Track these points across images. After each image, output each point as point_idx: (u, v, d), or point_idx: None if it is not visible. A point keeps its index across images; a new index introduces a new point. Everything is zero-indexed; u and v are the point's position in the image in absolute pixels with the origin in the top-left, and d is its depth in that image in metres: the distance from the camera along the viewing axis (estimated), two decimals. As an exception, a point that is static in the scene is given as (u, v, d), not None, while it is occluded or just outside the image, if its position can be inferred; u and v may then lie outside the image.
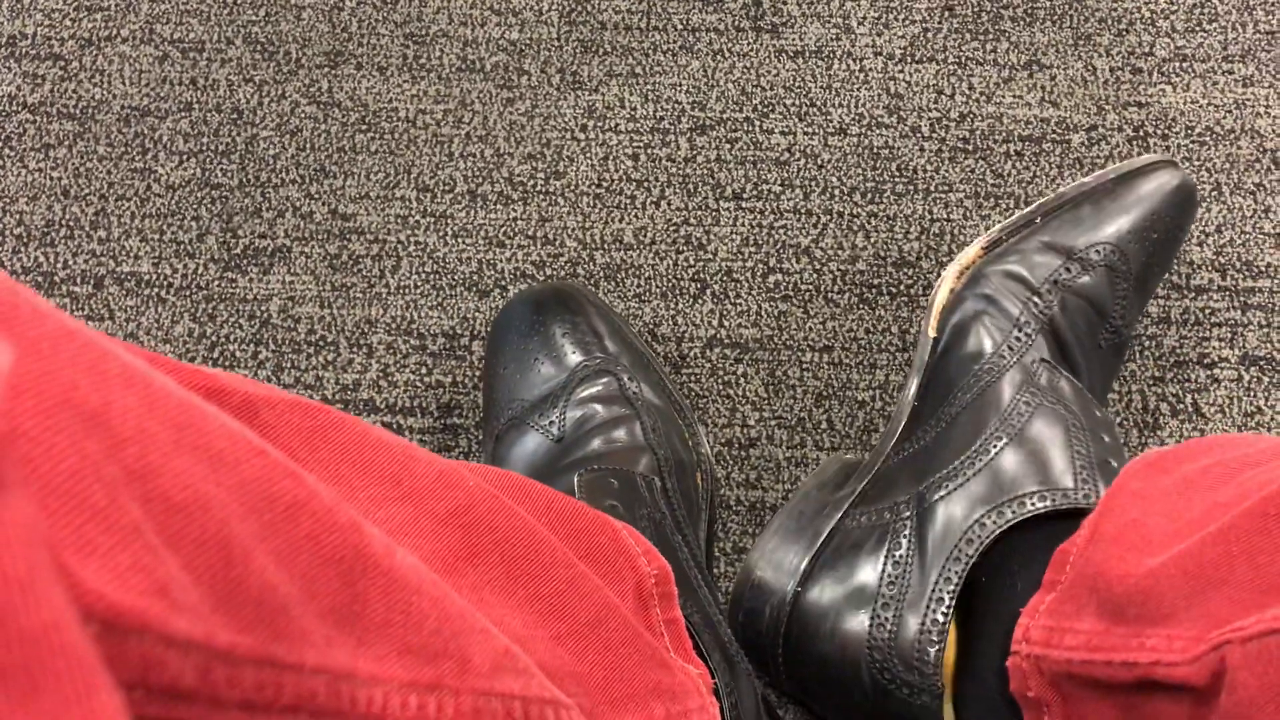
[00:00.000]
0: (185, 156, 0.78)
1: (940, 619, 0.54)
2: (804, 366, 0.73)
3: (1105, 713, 0.46)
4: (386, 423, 0.71)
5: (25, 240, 0.76)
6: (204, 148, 0.79)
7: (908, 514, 0.58)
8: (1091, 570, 0.48)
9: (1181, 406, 0.71)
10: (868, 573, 0.57)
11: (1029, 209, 0.66)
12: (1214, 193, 0.77)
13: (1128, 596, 0.44)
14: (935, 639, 0.54)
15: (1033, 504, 0.55)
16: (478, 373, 0.72)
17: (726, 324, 0.74)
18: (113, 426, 0.25)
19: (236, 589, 0.26)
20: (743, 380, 0.72)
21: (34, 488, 0.23)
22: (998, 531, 0.55)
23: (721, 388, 0.72)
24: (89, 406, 0.24)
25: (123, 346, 0.28)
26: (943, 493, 0.57)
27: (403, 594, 0.31)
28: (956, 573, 0.54)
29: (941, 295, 0.64)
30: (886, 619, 0.55)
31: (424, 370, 0.72)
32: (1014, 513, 0.55)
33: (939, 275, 0.68)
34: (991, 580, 0.56)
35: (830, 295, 0.75)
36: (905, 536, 0.57)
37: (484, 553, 0.40)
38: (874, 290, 0.75)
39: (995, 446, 0.58)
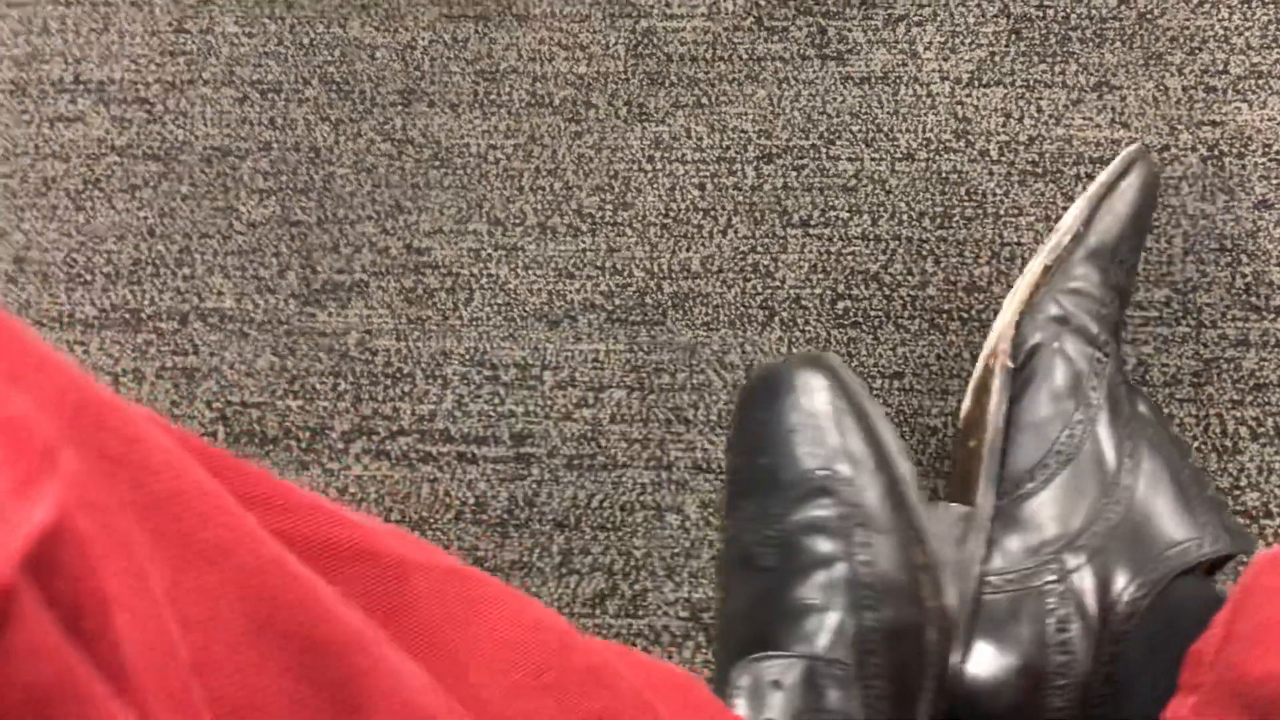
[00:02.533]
0: (265, 195, 0.81)
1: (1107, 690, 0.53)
2: (874, 393, 0.73)
3: None
4: (461, 452, 0.73)
5: (114, 279, 0.79)
6: (283, 186, 0.81)
7: (1052, 579, 0.56)
8: (1232, 674, 0.47)
9: (1262, 430, 0.70)
10: (1030, 646, 0.55)
11: (1065, 228, 0.66)
12: (1293, 211, 0.76)
13: (1270, 700, 0.43)
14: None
15: (1171, 561, 0.54)
16: (549, 402, 0.73)
17: (796, 350, 0.74)
18: (180, 604, 0.24)
19: None
20: (812, 407, 0.73)
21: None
22: (1154, 593, 0.54)
23: (791, 415, 0.72)
24: (160, 586, 0.24)
25: (282, 500, 0.27)
26: (1079, 560, 0.56)
27: None
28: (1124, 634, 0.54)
29: (1009, 321, 0.64)
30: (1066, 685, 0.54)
31: (497, 400, 0.74)
32: (1161, 572, 0.54)
33: (1007, 303, 0.67)
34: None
35: (900, 321, 0.74)
36: (1059, 600, 0.56)
37: None
38: (944, 316, 0.74)
39: (1114, 513, 0.57)
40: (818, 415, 0.56)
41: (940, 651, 0.55)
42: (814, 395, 0.57)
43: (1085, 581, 0.55)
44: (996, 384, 0.62)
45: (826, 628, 0.51)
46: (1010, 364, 0.62)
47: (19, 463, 0.21)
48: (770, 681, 0.49)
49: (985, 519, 0.58)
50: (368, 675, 0.28)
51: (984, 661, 0.55)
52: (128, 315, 0.78)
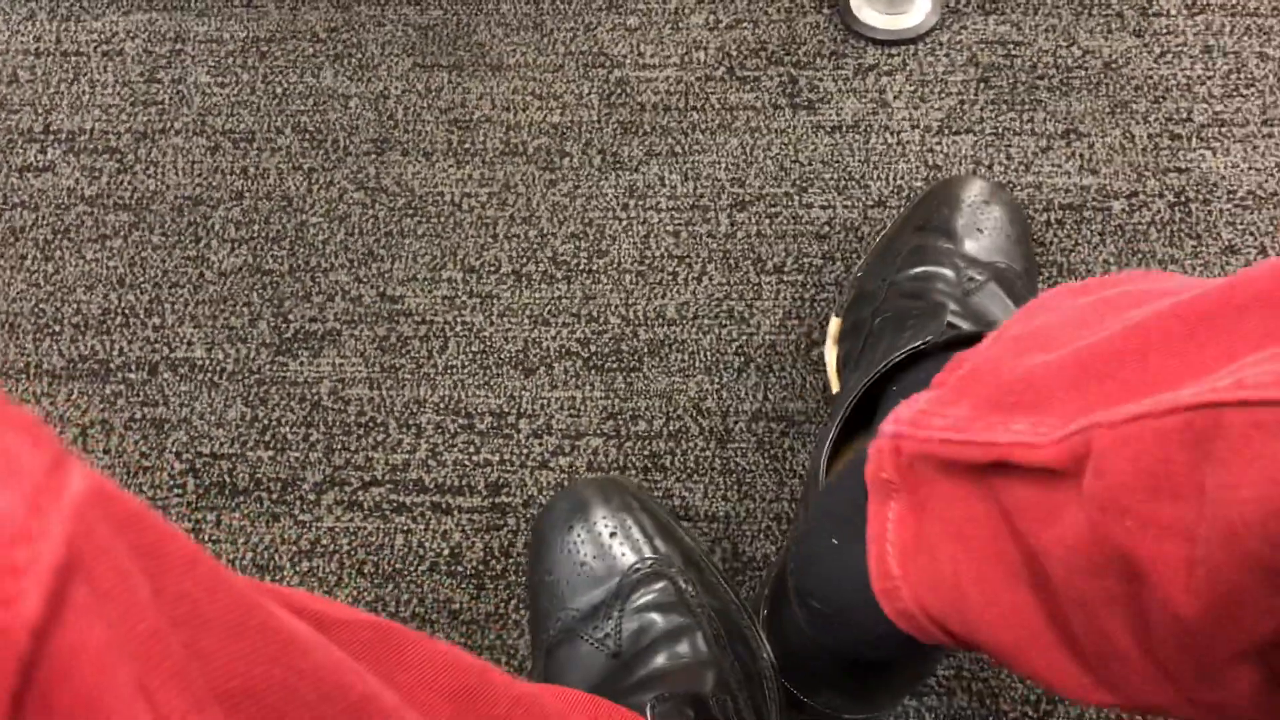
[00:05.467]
0: (237, 244, 0.80)
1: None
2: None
3: (956, 498, 0.44)
4: (435, 502, 0.72)
5: (83, 329, 0.78)
6: (255, 234, 0.81)
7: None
8: (984, 365, 0.46)
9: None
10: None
11: (853, 272, 0.74)
12: (1259, 256, 0.77)
13: (1010, 385, 0.43)
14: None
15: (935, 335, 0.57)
16: (525, 451, 0.73)
17: (771, 397, 0.74)
18: (166, 608, 0.25)
19: None
20: (789, 454, 0.72)
21: (115, 631, 0.23)
22: (893, 359, 0.57)
23: (768, 461, 0.72)
24: (145, 588, 0.25)
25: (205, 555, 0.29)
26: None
27: None
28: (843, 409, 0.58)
29: (831, 365, 0.70)
30: (793, 540, 0.57)
31: (472, 449, 0.73)
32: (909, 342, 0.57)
33: (826, 358, 0.72)
34: (888, 401, 0.56)
35: (875, 367, 0.75)
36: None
37: None
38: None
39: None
40: (626, 521, 0.62)
41: (777, 698, 0.61)
42: (616, 505, 0.63)
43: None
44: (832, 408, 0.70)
45: (702, 678, 0.56)
46: (837, 387, 0.69)
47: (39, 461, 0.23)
48: (679, 710, 0.53)
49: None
50: (339, 671, 0.29)
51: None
52: (96, 366, 0.77)
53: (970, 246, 0.68)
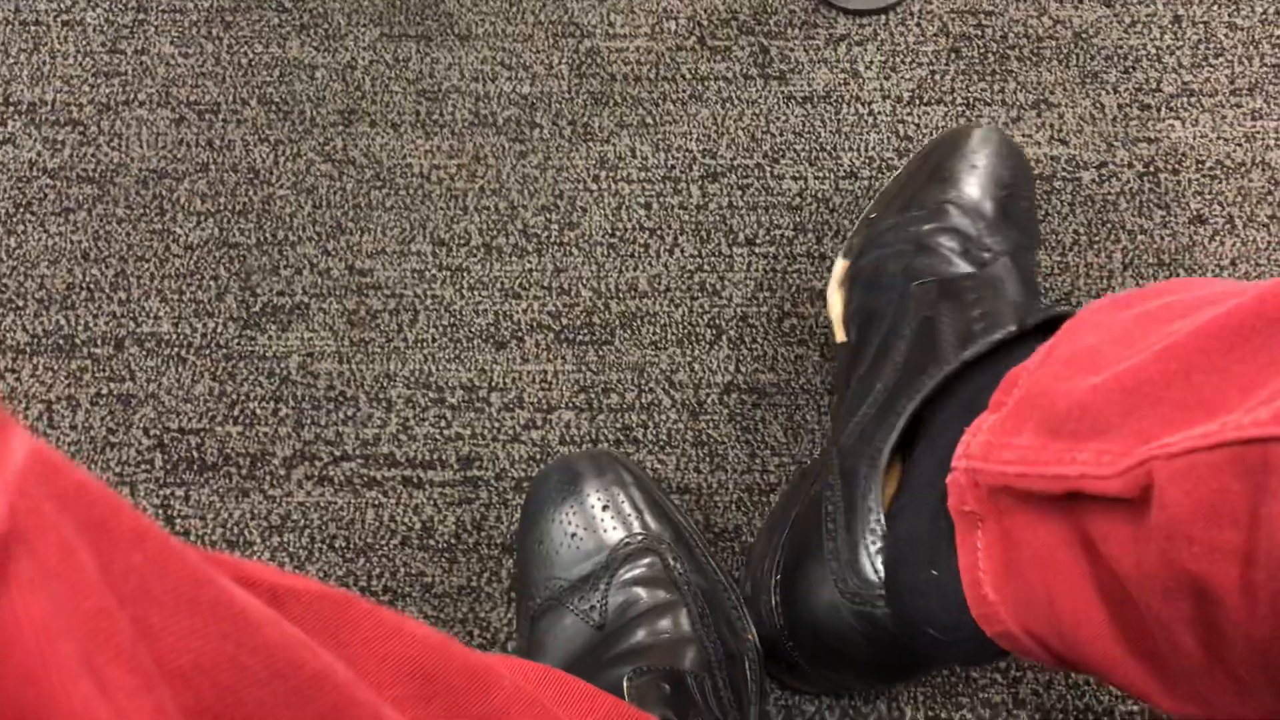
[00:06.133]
0: (203, 217, 0.79)
1: (875, 510, 0.55)
2: (822, 410, 0.73)
3: (1039, 526, 0.46)
4: (407, 476, 0.71)
5: (46, 304, 0.77)
6: (221, 208, 0.80)
7: (835, 459, 0.59)
8: (1038, 390, 0.47)
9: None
10: (819, 529, 0.58)
11: (864, 211, 0.72)
12: (1227, 226, 0.77)
13: (1067, 412, 0.44)
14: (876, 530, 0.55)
15: (977, 349, 0.56)
16: (497, 424, 0.73)
17: (743, 369, 0.74)
18: (114, 584, 0.25)
19: None
20: (761, 425, 0.72)
21: (59, 607, 0.23)
22: (932, 385, 0.56)
23: (740, 433, 0.72)
24: (92, 564, 0.24)
25: (149, 522, 0.28)
26: (855, 419, 0.59)
27: None
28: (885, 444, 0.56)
29: (836, 308, 0.68)
30: (838, 546, 0.56)
31: (443, 423, 0.73)
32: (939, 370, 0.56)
33: (829, 301, 0.70)
34: (936, 414, 0.56)
35: (846, 338, 0.75)
36: (833, 476, 0.58)
37: None
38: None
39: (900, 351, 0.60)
40: (617, 495, 0.63)
41: (758, 679, 0.61)
42: (609, 478, 0.63)
43: (848, 434, 0.60)
44: (836, 365, 0.69)
45: (683, 654, 0.57)
46: (843, 337, 0.67)
47: None
48: (656, 684, 0.55)
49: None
50: (291, 647, 0.28)
51: (796, 566, 0.62)
52: (61, 341, 0.76)
53: (989, 209, 0.67)
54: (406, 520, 0.70)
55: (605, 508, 0.62)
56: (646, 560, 0.61)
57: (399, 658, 0.36)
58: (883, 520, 0.55)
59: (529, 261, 0.77)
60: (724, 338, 0.75)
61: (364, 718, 0.29)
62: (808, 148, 0.81)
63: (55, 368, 0.75)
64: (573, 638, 0.59)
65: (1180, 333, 0.42)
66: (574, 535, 0.62)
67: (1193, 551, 0.37)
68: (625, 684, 0.54)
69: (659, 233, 0.78)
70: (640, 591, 0.60)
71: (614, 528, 0.62)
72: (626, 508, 0.62)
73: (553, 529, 0.63)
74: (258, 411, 0.73)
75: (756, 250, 0.77)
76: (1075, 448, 0.43)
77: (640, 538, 0.61)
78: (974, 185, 0.67)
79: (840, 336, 0.67)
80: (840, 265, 0.70)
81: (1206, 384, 0.39)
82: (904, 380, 0.58)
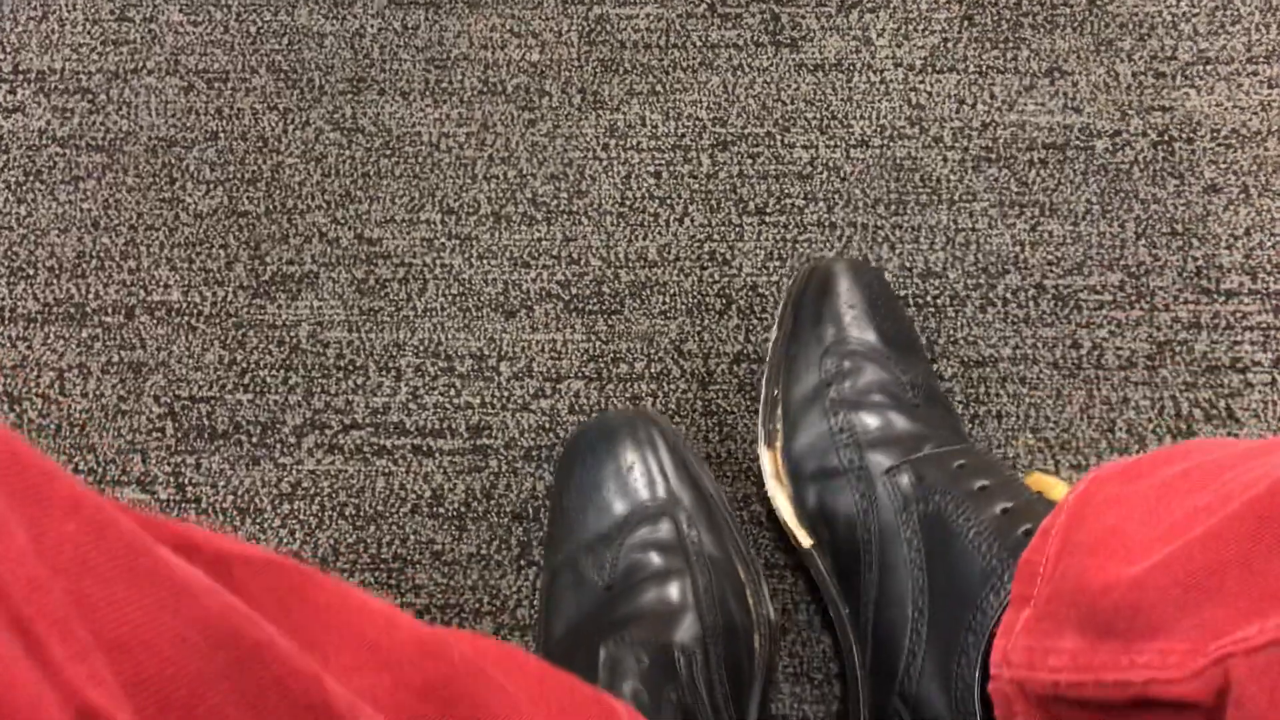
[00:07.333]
0: (212, 185, 0.79)
1: None
2: (832, 380, 0.73)
3: None
4: (416, 445, 0.72)
5: (57, 272, 0.77)
6: (230, 176, 0.79)
7: (901, 709, 0.55)
8: (1070, 584, 0.45)
9: (1215, 412, 0.71)
10: None
11: (764, 391, 0.67)
12: (1241, 195, 0.77)
13: (1114, 609, 0.42)
14: None
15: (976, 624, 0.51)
16: (506, 393, 0.73)
17: (753, 339, 0.74)
18: (48, 554, 0.24)
19: None
20: (771, 395, 0.72)
21: None
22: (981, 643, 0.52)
23: (749, 403, 0.72)
24: (22, 535, 0.24)
25: (89, 491, 0.27)
26: (912, 685, 0.55)
27: None
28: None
29: (785, 509, 0.64)
30: None
31: (453, 392, 0.73)
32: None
33: (774, 501, 0.66)
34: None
35: (856, 308, 0.74)
36: None
37: None
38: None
39: (922, 613, 0.55)
40: (647, 457, 0.62)
41: (766, 656, 0.60)
42: (642, 439, 0.63)
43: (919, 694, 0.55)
44: (813, 569, 0.63)
45: (676, 625, 0.56)
46: (808, 542, 0.63)
47: None
48: (632, 657, 0.54)
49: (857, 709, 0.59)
50: (231, 618, 0.28)
51: None
52: (72, 309, 0.76)
53: (881, 343, 0.65)
54: (416, 488, 0.71)
55: (632, 469, 0.62)
56: (662, 526, 0.60)
57: (347, 627, 0.36)
58: None
59: (538, 230, 0.77)
60: (734, 307, 0.74)
61: (306, 689, 0.29)
62: (819, 116, 0.80)
63: (66, 336, 0.75)
64: (583, 597, 0.59)
65: (1220, 515, 0.39)
66: (597, 493, 0.62)
67: None
68: (601, 650, 0.54)
69: (669, 201, 0.78)
70: (649, 556, 0.59)
71: (637, 489, 0.61)
72: (654, 470, 0.62)
73: (579, 485, 0.63)
74: (268, 380, 0.74)
75: (767, 219, 0.77)
76: (1132, 649, 0.41)
77: (661, 501, 0.61)
78: (861, 325, 0.65)
79: (805, 541, 0.63)
80: (767, 457, 0.66)
81: (1269, 572, 0.37)
82: (944, 604, 0.54)
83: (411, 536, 0.70)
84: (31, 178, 0.80)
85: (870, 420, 0.61)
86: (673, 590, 0.58)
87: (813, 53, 0.82)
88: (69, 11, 0.85)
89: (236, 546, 0.33)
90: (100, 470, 0.72)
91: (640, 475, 0.62)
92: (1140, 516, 0.44)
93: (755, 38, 0.82)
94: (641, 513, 0.61)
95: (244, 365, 0.74)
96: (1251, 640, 0.36)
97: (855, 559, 0.59)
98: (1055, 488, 0.56)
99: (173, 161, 0.80)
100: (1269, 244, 0.75)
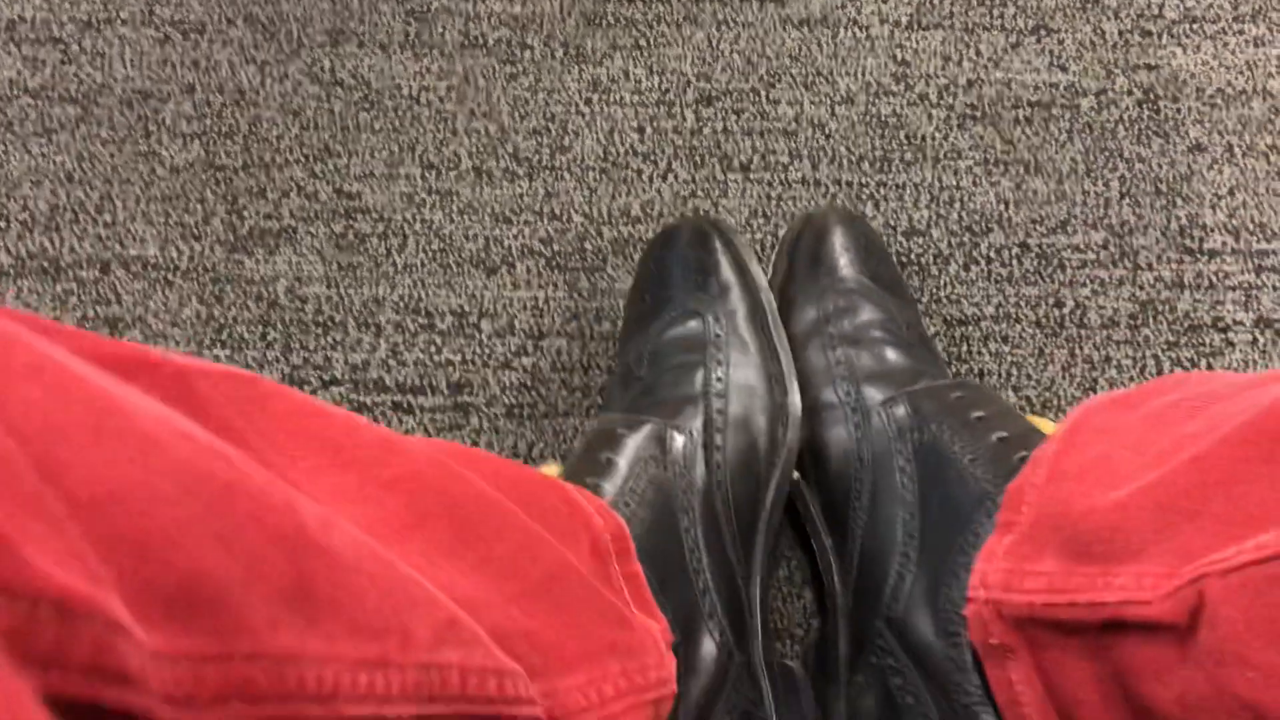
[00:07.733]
0: (189, 139, 0.78)
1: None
2: (815, 338, 0.72)
3: (1074, 657, 0.43)
4: (397, 402, 0.71)
5: (30, 226, 0.76)
6: (207, 129, 0.78)
7: (892, 662, 0.54)
8: (1054, 509, 0.45)
9: (1196, 371, 0.71)
10: None
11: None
12: (1226, 155, 0.76)
13: (1093, 532, 0.42)
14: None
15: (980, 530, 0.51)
16: (487, 351, 0.72)
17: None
18: (13, 423, 0.24)
19: (151, 585, 0.26)
20: (753, 352, 0.72)
21: None
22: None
23: (732, 360, 0.72)
24: None
25: (42, 329, 0.27)
26: (889, 580, 0.54)
27: (343, 572, 0.30)
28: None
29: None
30: None
31: (433, 349, 0.72)
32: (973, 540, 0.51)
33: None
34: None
35: (840, 265, 0.74)
36: (892, 657, 0.54)
37: (432, 518, 0.38)
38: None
39: (912, 543, 0.55)
40: (700, 255, 0.64)
41: (785, 441, 0.61)
42: (697, 241, 0.65)
43: (912, 629, 0.54)
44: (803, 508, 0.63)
45: (683, 411, 0.58)
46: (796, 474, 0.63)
47: None
48: (618, 432, 0.56)
49: (834, 638, 0.59)
50: (200, 461, 0.28)
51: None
52: (46, 264, 0.75)
53: (872, 285, 0.65)
54: (396, 445, 0.70)
55: (687, 267, 0.64)
56: (693, 322, 0.62)
57: (309, 431, 0.36)
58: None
59: (520, 186, 0.76)
60: (717, 264, 0.74)
61: (279, 521, 0.29)
62: (804, 72, 0.79)
63: (40, 290, 0.74)
64: (623, 385, 0.62)
65: (1207, 440, 0.39)
66: (648, 292, 0.65)
67: (1248, 677, 0.35)
68: (581, 427, 0.55)
69: (652, 158, 0.77)
70: (678, 348, 0.61)
71: (684, 287, 0.64)
72: (709, 267, 0.64)
73: (636, 286, 0.67)
74: (245, 335, 0.73)
75: (751, 176, 0.76)
76: (1109, 571, 0.40)
77: (700, 300, 0.63)
78: (857, 267, 0.66)
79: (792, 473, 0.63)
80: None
81: (1250, 495, 0.37)
82: (937, 528, 0.53)
83: (392, 493, 0.69)
84: (2, 129, 0.78)
85: (867, 355, 0.62)
86: (688, 379, 0.60)
87: (798, 8, 0.81)
88: (40, -41, 0.83)
89: (194, 362, 0.34)
90: (76, 426, 0.71)
91: (689, 273, 0.64)
92: (1129, 444, 0.44)
93: (740, -8, 0.82)
94: (680, 309, 0.63)
95: (221, 321, 0.73)
96: (1228, 561, 0.36)
97: (845, 492, 0.59)
98: (1049, 427, 0.56)
99: (148, 114, 0.79)
100: (1252, 204, 0.75)
